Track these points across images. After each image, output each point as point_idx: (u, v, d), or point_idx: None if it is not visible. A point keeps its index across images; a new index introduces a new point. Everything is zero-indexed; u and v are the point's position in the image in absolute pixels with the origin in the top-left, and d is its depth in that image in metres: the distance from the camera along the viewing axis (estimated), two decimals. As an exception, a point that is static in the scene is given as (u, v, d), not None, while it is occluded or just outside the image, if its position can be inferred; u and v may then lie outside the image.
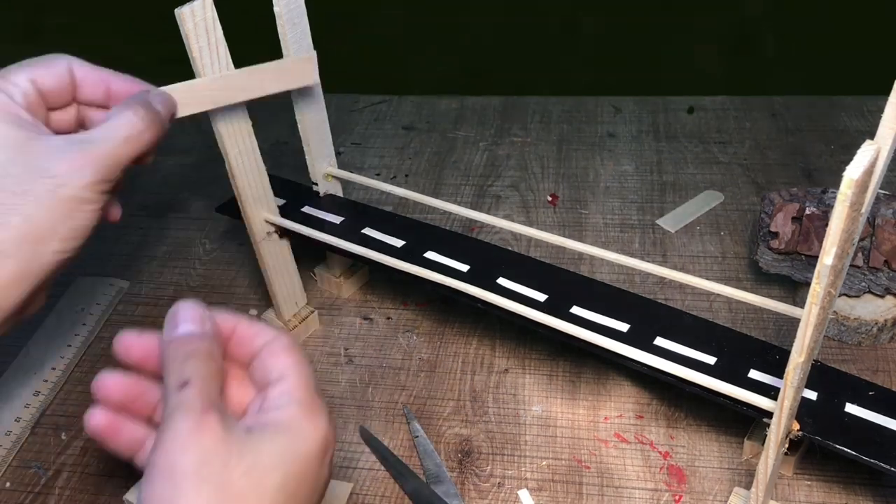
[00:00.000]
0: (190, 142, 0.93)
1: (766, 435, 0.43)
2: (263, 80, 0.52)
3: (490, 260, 0.58)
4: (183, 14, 0.47)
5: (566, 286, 0.55)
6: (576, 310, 0.52)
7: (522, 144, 0.89)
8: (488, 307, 0.53)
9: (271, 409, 0.35)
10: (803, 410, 0.45)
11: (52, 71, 0.42)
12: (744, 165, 0.82)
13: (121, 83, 0.44)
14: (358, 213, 0.64)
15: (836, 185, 0.33)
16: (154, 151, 0.44)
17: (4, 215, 0.37)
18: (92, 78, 0.44)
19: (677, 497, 0.51)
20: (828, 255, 0.34)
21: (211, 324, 0.38)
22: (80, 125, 0.45)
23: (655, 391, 0.58)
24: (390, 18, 1.00)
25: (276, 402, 0.35)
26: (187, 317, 0.37)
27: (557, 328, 0.51)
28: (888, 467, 0.43)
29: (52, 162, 0.38)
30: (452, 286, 0.54)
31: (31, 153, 0.38)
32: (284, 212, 0.62)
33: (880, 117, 0.37)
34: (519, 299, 0.53)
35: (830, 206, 0.60)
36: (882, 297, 0.60)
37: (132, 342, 0.38)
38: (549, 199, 0.80)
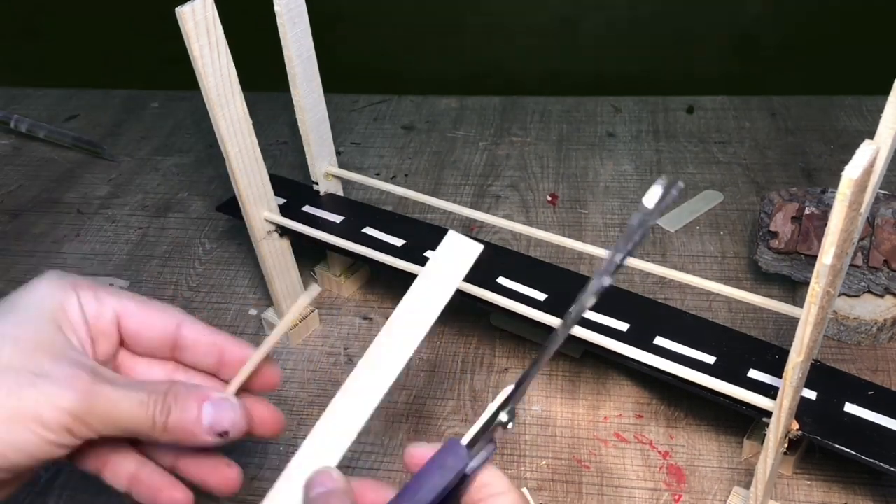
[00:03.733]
0: (189, 141, 0.93)
1: (765, 434, 0.43)
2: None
3: (490, 259, 0.58)
4: (183, 13, 0.47)
5: (566, 285, 0.55)
6: (575, 309, 0.52)
7: (522, 144, 0.89)
8: (488, 306, 0.53)
9: None
10: (802, 410, 0.46)
11: (153, 320, 0.38)
12: (743, 165, 0.82)
13: (237, 351, 0.39)
14: (358, 213, 0.64)
15: (836, 184, 0.33)
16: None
17: None
18: (204, 342, 0.39)
19: (677, 496, 0.52)
20: (827, 254, 0.34)
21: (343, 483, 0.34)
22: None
23: (655, 391, 0.58)
24: (390, 18, 1.00)
25: None
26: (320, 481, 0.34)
27: (557, 328, 0.51)
28: (888, 467, 0.43)
29: (49, 365, 0.33)
30: (452, 286, 0.54)
31: (35, 354, 0.33)
32: (285, 211, 0.62)
33: (880, 117, 0.37)
34: (519, 298, 0.53)
35: (830, 206, 0.60)
36: (881, 296, 0.60)
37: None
38: (549, 198, 0.80)
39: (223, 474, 0.39)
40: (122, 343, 0.39)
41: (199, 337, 0.39)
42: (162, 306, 0.39)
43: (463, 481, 0.33)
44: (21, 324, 0.34)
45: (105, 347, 0.38)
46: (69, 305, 0.36)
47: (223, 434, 0.36)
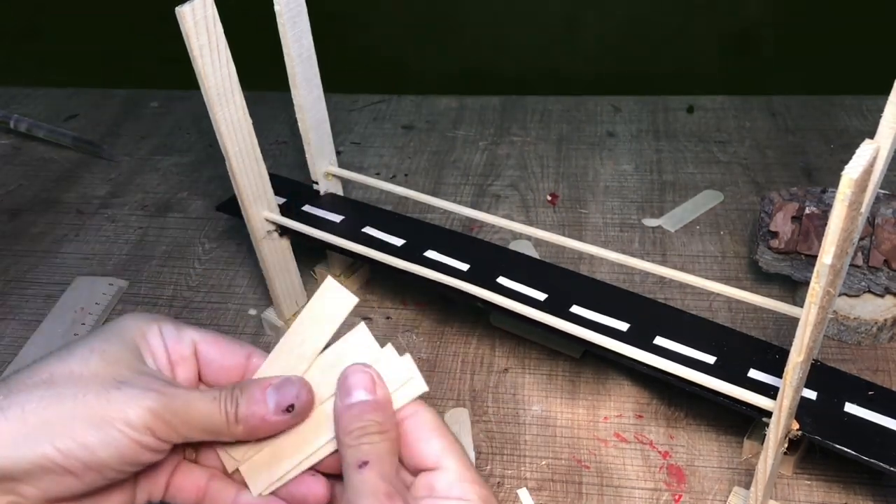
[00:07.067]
0: (188, 141, 0.93)
1: (765, 434, 0.43)
2: None
3: (490, 259, 0.58)
4: (183, 12, 0.47)
5: (566, 285, 0.55)
6: (576, 309, 0.52)
7: (522, 144, 0.89)
8: (488, 306, 0.53)
9: (448, 497, 0.35)
10: (803, 410, 0.45)
11: (228, 350, 0.41)
12: (743, 165, 0.82)
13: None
14: (358, 212, 0.64)
15: (836, 184, 0.33)
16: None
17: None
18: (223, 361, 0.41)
19: (677, 496, 0.51)
20: (827, 254, 0.34)
21: (383, 390, 0.38)
22: None
23: (655, 391, 0.58)
24: (390, 18, 1.00)
25: (450, 492, 0.35)
26: (359, 383, 0.37)
27: (557, 327, 0.51)
28: (888, 467, 0.43)
29: (129, 375, 0.36)
30: (452, 285, 0.54)
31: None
32: (285, 210, 0.62)
33: (880, 116, 0.37)
34: (519, 298, 0.53)
35: (830, 206, 0.60)
36: (882, 296, 0.60)
37: None
38: (549, 198, 0.80)
39: (308, 486, 0.40)
40: (200, 378, 0.41)
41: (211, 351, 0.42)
42: (234, 340, 0.42)
43: None
44: (107, 340, 0.38)
45: (186, 374, 0.40)
46: (150, 334, 0.39)
47: (290, 408, 0.38)
